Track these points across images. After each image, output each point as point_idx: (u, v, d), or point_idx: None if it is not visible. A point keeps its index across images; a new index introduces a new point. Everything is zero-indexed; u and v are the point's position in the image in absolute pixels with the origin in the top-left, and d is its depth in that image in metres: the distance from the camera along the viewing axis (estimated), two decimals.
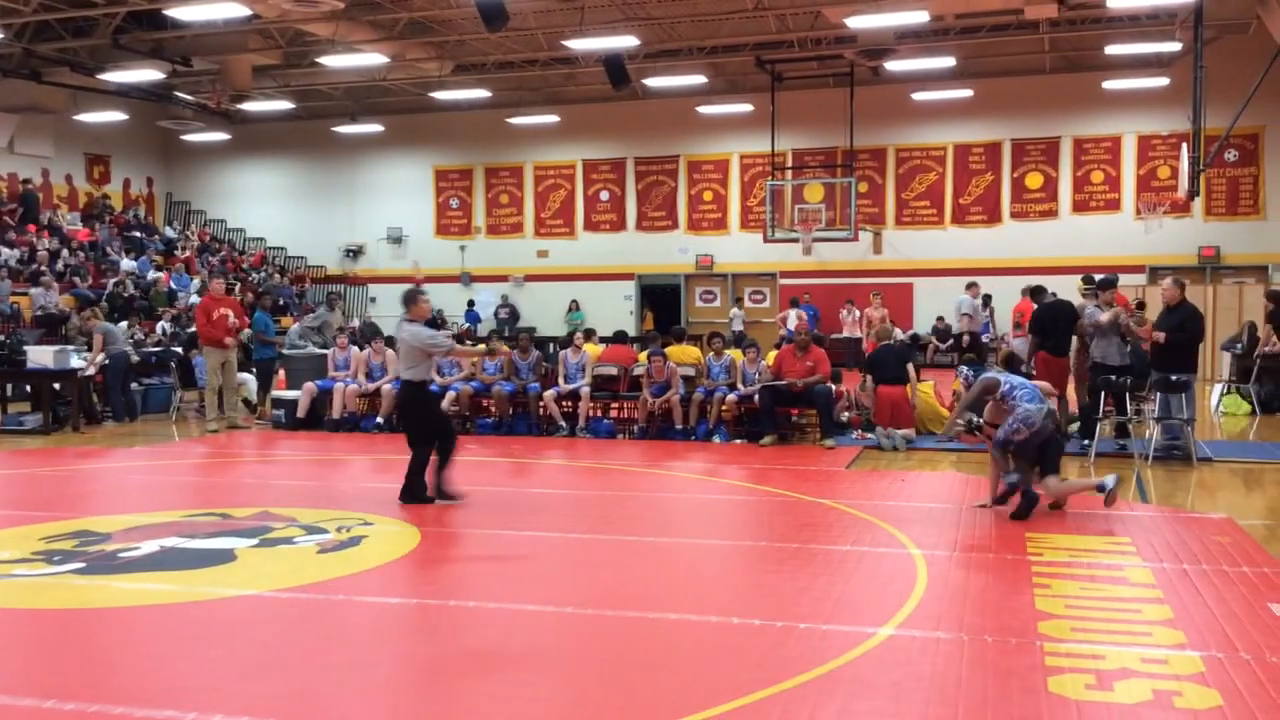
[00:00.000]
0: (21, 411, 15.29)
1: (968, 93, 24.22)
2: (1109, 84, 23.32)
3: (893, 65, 22.83)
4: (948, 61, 22.67)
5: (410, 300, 9.48)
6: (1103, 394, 11.55)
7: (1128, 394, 11.58)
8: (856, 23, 18.88)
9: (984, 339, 24.00)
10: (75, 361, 15.04)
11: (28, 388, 15.67)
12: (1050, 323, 12.50)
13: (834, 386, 13.36)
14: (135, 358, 16.35)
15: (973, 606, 5.96)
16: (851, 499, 9.21)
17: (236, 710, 4.49)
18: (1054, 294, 13.32)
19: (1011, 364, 13.28)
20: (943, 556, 7.20)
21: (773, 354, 14.45)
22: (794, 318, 22.10)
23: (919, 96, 24.51)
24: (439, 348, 9.46)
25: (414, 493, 9.09)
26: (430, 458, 9.13)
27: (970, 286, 22.82)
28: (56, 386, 14.98)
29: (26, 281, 21.76)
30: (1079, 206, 24.78)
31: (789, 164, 26.14)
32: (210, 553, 7.43)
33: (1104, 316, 11.82)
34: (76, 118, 25.82)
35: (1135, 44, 21.33)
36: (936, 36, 21.81)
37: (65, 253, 24.14)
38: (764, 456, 11.98)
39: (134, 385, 16.29)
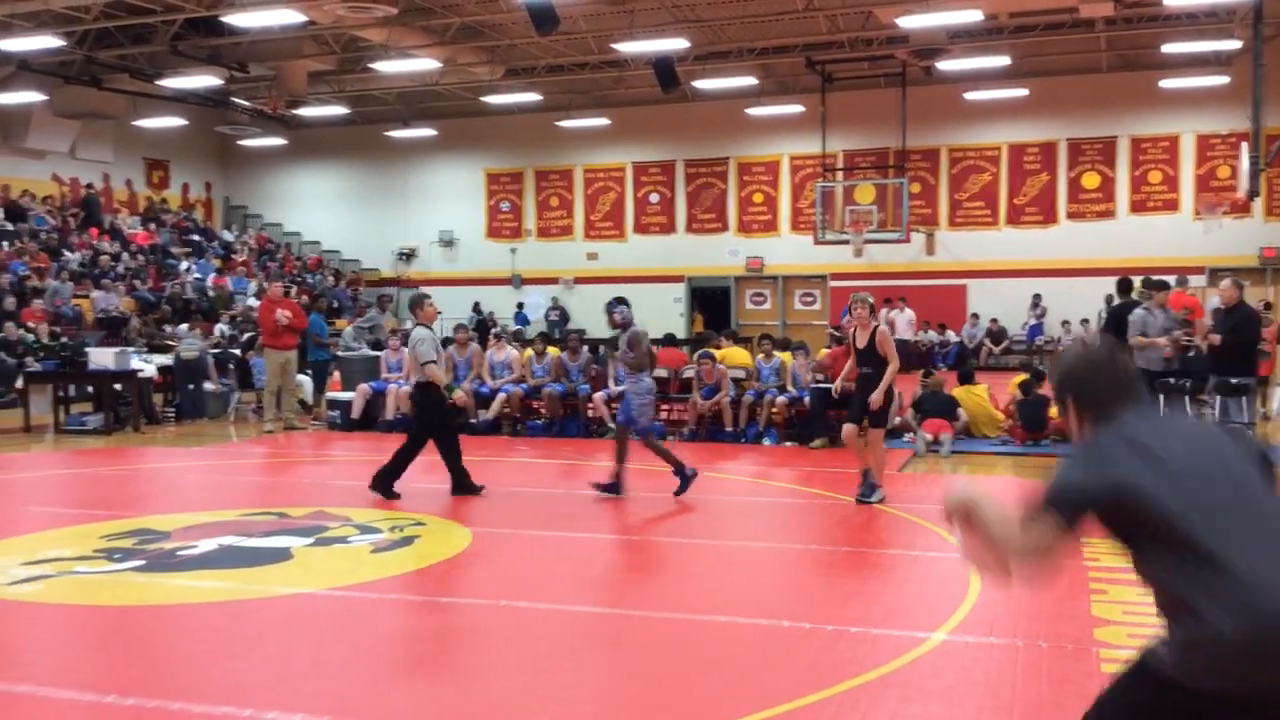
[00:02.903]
0: (83, 412, 15.60)
1: (1022, 92, 23.92)
2: (1166, 83, 22.94)
3: (945, 65, 22.61)
4: (1002, 61, 22.41)
5: (416, 304, 9.84)
6: (1160, 398, 11.38)
7: (1187, 397, 11.40)
8: (908, 22, 18.73)
9: (1037, 341, 23.80)
10: (135, 363, 15.34)
11: (89, 388, 15.99)
12: (1123, 324, 12.27)
13: None
14: (209, 356, 16.66)
15: (1027, 612, 5.90)
16: (903, 503, 9.14)
17: (291, 707, 4.55)
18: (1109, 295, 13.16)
19: None
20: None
21: (823, 353, 14.38)
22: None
23: (972, 96, 24.24)
24: (421, 358, 9.59)
25: (386, 480, 9.45)
26: (416, 454, 9.53)
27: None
28: (117, 387, 15.27)
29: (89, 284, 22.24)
30: (1137, 207, 24.39)
31: (840, 165, 25.98)
32: (267, 551, 7.54)
33: (1160, 341, 11.55)
34: (136, 123, 26.27)
35: (1193, 42, 20.96)
36: (990, 36, 21.57)
37: (125, 256, 24.62)
38: (814, 459, 11.92)
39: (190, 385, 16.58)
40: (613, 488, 9.46)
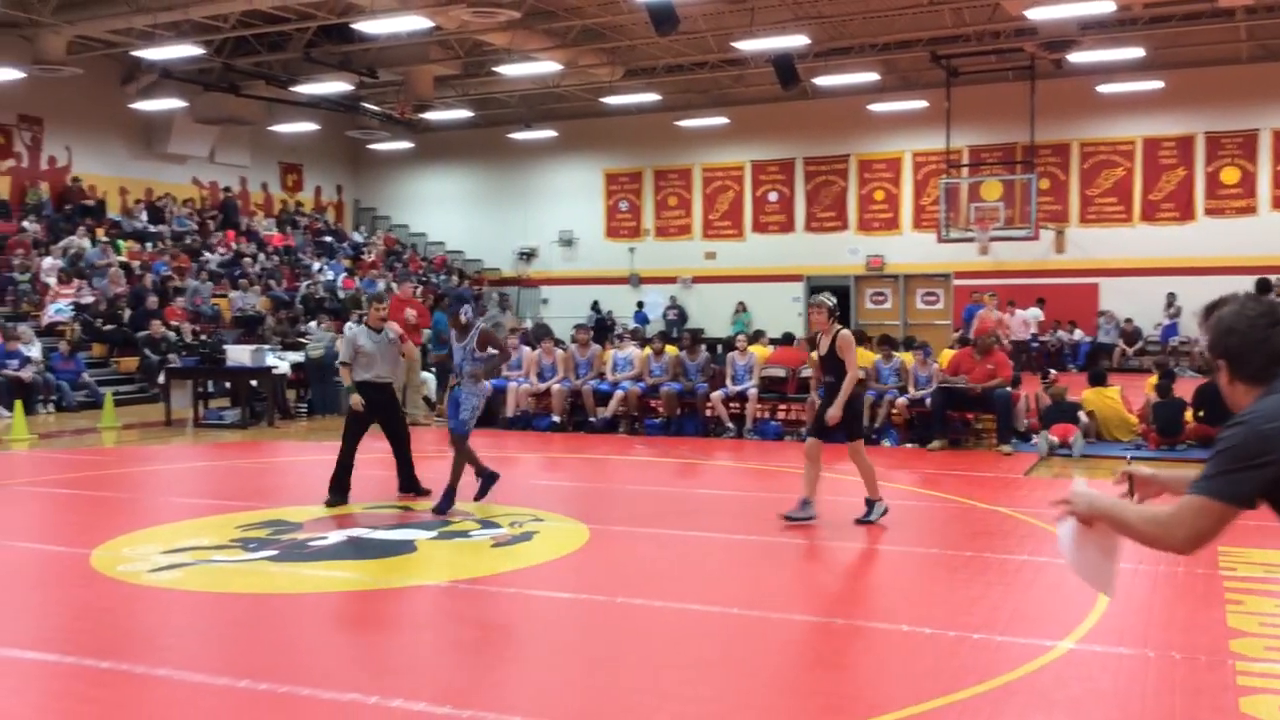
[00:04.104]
0: (221, 407, 16.24)
1: (1158, 84, 23.07)
2: None
3: (1076, 57, 21.96)
4: (1136, 52, 21.64)
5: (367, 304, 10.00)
6: None
7: None
8: (1037, 14, 18.24)
9: (1171, 342, 22.93)
10: (270, 360, 15.91)
11: (227, 384, 16.64)
12: None
13: (1012, 390, 12.96)
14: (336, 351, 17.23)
15: (1159, 622, 5.71)
16: (1029, 507, 8.91)
17: (414, 695, 4.66)
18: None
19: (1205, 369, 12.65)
20: (1127, 569, 6.88)
21: (946, 354, 14.11)
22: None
23: (1105, 89, 23.49)
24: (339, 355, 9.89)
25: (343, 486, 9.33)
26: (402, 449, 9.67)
27: None
28: (254, 383, 15.85)
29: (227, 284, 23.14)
30: (1279, 203, 23.32)
31: (965, 161, 25.46)
32: (393, 543, 7.75)
33: None
34: (271, 128, 27.26)
35: None
36: (1123, 26, 20.89)
37: (261, 257, 25.54)
38: (934, 461, 11.71)
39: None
40: (486, 487, 8.99)
